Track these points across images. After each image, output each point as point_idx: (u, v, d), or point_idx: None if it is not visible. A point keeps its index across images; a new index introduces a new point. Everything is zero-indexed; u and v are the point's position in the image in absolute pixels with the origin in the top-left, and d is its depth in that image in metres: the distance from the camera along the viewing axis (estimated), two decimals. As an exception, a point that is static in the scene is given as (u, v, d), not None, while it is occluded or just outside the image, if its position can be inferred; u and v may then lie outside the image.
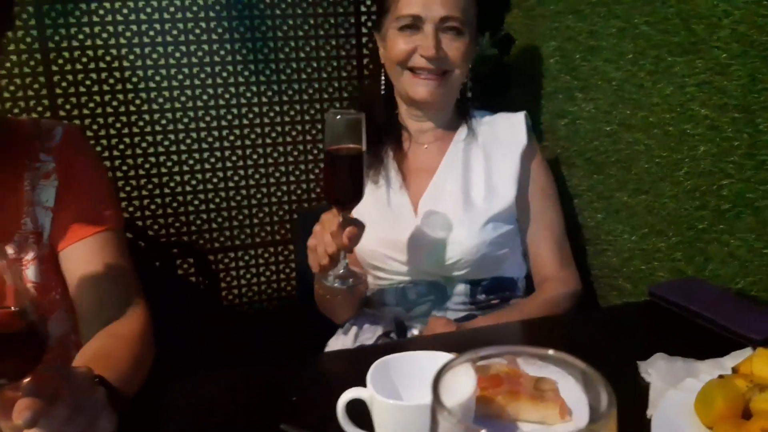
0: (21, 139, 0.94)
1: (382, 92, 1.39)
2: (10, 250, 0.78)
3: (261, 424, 0.77)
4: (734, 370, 0.80)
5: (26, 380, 0.57)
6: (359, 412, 0.68)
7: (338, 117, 1.03)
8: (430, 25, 1.26)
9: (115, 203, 1.01)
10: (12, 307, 0.58)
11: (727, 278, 1.14)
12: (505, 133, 1.40)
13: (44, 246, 0.93)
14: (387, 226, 1.30)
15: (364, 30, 1.71)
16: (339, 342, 1.32)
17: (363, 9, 1.70)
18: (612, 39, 1.38)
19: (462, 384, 0.39)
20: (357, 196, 1.08)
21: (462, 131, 1.40)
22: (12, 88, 1.50)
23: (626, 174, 1.35)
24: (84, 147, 1.00)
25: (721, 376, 0.77)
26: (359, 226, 1.08)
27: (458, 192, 1.32)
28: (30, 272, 0.92)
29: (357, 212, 1.13)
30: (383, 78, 1.39)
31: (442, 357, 0.70)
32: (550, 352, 0.30)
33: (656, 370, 0.84)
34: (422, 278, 1.30)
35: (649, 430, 0.72)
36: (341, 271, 1.09)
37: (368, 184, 1.30)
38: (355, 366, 0.93)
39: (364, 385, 0.67)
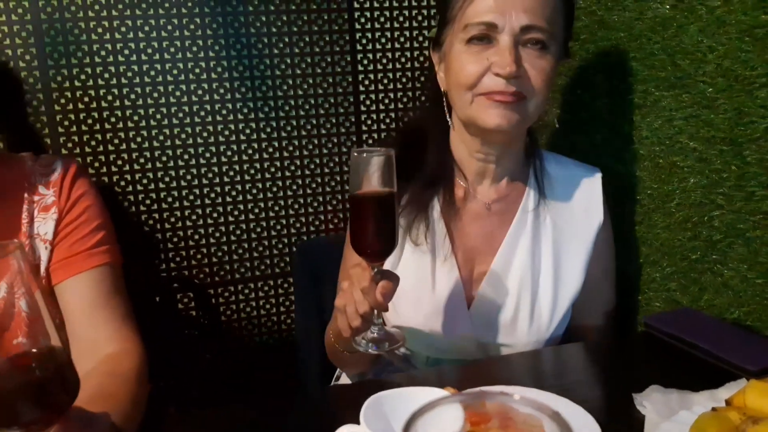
0: (20, 173, 0.96)
1: (450, 125, 1.14)
2: (3, 283, 0.79)
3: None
4: (728, 402, 0.80)
5: (54, 428, 0.57)
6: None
7: (364, 155, 0.90)
8: (508, 36, 1.00)
9: (113, 238, 1.02)
10: (41, 349, 0.57)
11: (722, 308, 1.15)
12: (580, 203, 1.16)
13: (40, 279, 0.94)
14: (431, 313, 1.09)
15: (360, 67, 1.75)
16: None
17: (359, 47, 1.74)
18: (601, 74, 1.41)
19: (450, 420, 0.40)
20: (390, 245, 0.94)
21: (531, 191, 1.15)
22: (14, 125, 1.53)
23: (619, 205, 1.37)
24: (83, 181, 1.01)
25: (714, 409, 0.77)
26: (393, 280, 0.92)
27: (524, 284, 1.10)
28: (23, 304, 0.92)
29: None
30: (445, 106, 1.14)
31: (436, 393, 0.71)
32: (516, 397, 0.31)
33: (651, 402, 0.84)
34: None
35: (643, 463, 0.72)
36: (375, 333, 0.94)
37: (407, 242, 1.12)
38: (352, 402, 0.93)
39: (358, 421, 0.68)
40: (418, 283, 1.10)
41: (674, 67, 1.19)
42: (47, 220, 0.95)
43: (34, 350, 0.58)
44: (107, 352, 0.87)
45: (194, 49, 1.60)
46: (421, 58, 1.80)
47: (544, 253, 1.12)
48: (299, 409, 0.95)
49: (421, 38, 1.79)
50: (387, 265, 1.08)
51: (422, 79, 1.79)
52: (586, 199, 1.17)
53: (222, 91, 1.64)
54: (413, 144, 1.15)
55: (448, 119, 1.15)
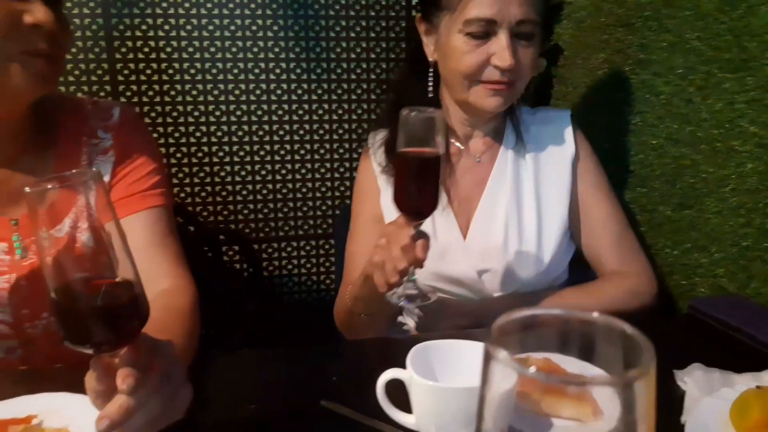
0: (80, 116, 0.99)
1: (430, 95, 1.22)
2: (68, 220, 0.82)
3: (302, 400, 0.80)
4: (771, 383, 0.80)
5: (124, 349, 0.60)
6: (397, 393, 0.71)
7: (413, 114, 0.91)
8: (506, 30, 1.08)
9: (167, 183, 1.04)
10: (119, 278, 0.60)
11: (770, 297, 1.13)
12: (552, 140, 1.28)
13: (94, 219, 0.96)
14: (434, 256, 1.12)
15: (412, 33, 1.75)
16: None
17: (414, 13, 1.73)
18: (662, 53, 1.38)
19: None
20: (434, 204, 0.96)
21: (510, 137, 1.26)
22: (77, 72, 1.58)
23: (671, 188, 1.35)
24: (140, 127, 1.03)
25: (758, 387, 0.77)
26: (428, 239, 0.96)
27: (511, 213, 1.21)
28: (85, 238, 0.96)
29: None
30: (431, 78, 1.22)
31: (481, 346, 0.72)
32: (595, 314, 0.32)
33: (693, 379, 0.84)
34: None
35: (682, 434, 0.73)
36: (410, 290, 0.97)
37: None
38: (393, 351, 0.95)
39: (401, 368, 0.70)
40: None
41: (740, 49, 1.16)
42: (105, 162, 0.97)
43: (111, 279, 0.60)
44: (162, 288, 0.90)
45: (252, 6, 1.62)
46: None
47: (526, 185, 1.23)
48: (345, 356, 0.97)
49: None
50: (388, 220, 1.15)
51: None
52: (558, 135, 1.28)
53: (277, 49, 1.66)
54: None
55: (430, 88, 1.22)
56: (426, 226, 1.10)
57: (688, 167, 1.31)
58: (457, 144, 1.26)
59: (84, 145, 0.97)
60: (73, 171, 0.93)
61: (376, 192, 1.23)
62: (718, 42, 1.22)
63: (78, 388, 0.65)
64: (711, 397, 0.78)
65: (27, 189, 0.56)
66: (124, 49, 1.58)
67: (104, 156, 0.98)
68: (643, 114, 1.44)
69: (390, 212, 1.18)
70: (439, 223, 1.20)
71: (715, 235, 1.25)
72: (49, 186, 0.58)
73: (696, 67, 1.28)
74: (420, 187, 0.94)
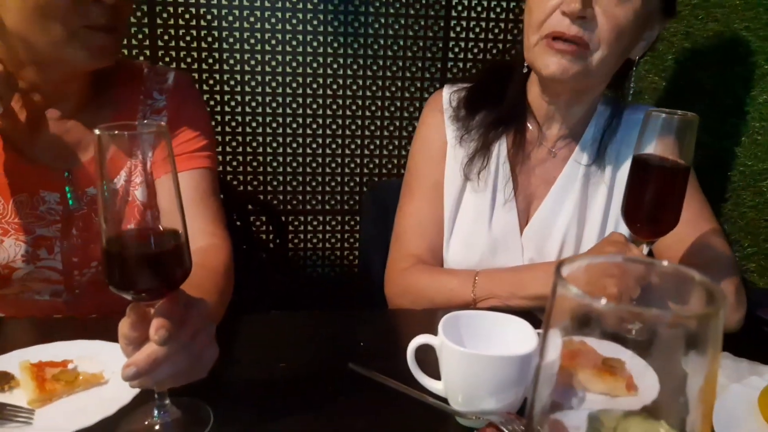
0: (138, 78, 1.02)
1: (525, 69, 1.06)
2: (123, 173, 0.84)
3: (330, 363, 0.81)
4: (802, 375, 0.79)
5: (161, 301, 0.61)
6: (425, 360, 0.72)
7: (663, 116, 0.81)
8: None
9: (214, 148, 1.07)
10: (163, 227, 0.62)
11: (801, 294, 1.11)
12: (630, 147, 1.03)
13: (149, 173, 0.99)
14: (486, 252, 1.09)
15: (453, 13, 1.74)
16: None
17: (454, -7, 1.72)
18: (707, 42, 1.36)
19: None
20: (676, 222, 0.85)
21: (589, 134, 1.10)
22: (118, 37, 1.60)
23: (707, 180, 1.33)
24: (193, 92, 1.06)
25: (788, 378, 0.77)
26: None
27: (570, 228, 1.09)
28: (138, 193, 0.98)
29: (456, 222, 1.05)
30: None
31: (512, 319, 0.73)
32: (665, 263, 0.32)
33: (721, 367, 0.84)
34: None
35: (708, 418, 0.72)
36: None
37: (471, 183, 1.10)
38: (421, 321, 0.96)
39: (429, 337, 0.70)
40: (475, 224, 1.09)
41: (790, 40, 1.14)
42: (158, 120, 1.00)
43: (159, 230, 0.62)
44: (198, 246, 0.92)
45: (293, -22, 1.62)
46: (517, 10, 1.76)
47: (596, 197, 1.09)
48: (373, 322, 0.98)
49: (519, -9, 1.76)
50: (447, 203, 1.09)
51: (515, 32, 1.76)
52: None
53: (315, 23, 1.66)
54: (495, 79, 1.12)
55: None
56: (482, 217, 1.07)
57: (726, 160, 1.29)
58: (532, 128, 1.11)
59: (140, 104, 1.00)
60: (144, 121, 0.96)
61: (443, 155, 1.12)
62: (767, 32, 1.20)
63: (112, 337, 0.67)
64: (739, 384, 0.77)
65: (96, 131, 0.58)
66: (165, 15, 1.60)
67: (158, 116, 1.01)
68: (686, 105, 1.42)
69: (452, 181, 1.10)
70: (497, 217, 1.09)
71: (749, 229, 1.23)
72: (117, 131, 0.59)
73: (742, 57, 1.26)
74: (665, 201, 0.83)
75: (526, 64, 1.05)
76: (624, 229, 1.00)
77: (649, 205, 0.84)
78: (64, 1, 0.80)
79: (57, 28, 0.81)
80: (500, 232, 1.10)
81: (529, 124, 1.11)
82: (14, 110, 0.93)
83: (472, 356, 0.65)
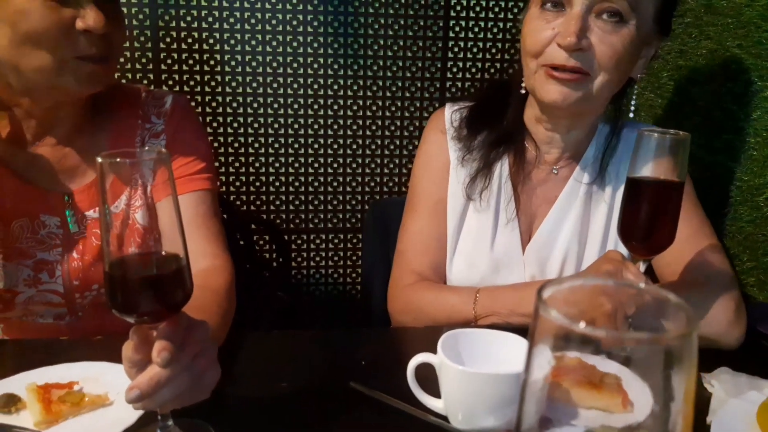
0: (136, 102, 1.03)
1: (522, 89, 1.06)
2: (123, 197, 0.85)
3: (331, 382, 0.82)
4: (800, 389, 0.80)
5: (163, 323, 0.62)
6: (425, 378, 0.72)
7: (655, 136, 0.82)
8: (581, 3, 0.91)
9: (214, 170, 1.08)
10: (164, 251, 0.63)
11: (800, 308, 1.12)
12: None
13: (149, 197, 1.00)
14: (487, 272, 1.10)
15: (451, 34, 1.76)
16: None
17: (452, 14, 1.75)
18: (701, 60, 1.38)
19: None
20: (673, 238, 0.86)
21: (590, 154, 1.11)
22: (122, 60, 1.63)
23: (704, 196, 1.35)
24: (190, 114, 1.08)
25: (786, 392, 0.77)
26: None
27: (571, 247, 1.10)
28: (139, 216, 0.99)
29: (459, 242, 1.07)
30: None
31: (511, 336, 0.74)
32: (641, 285, 0.33)
33: (720, 381, 0.84)
34: None
35: (707, 434, 0.73)
36: None
37: (473, 202, 1.11)
38: (423, 339, 0.97)
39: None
40: (478, 244, 1.11)
41: (782, 57, 1.16)
42: (156, 144, 1.02)
43: (160, 254, 0.63)
44: (200, 268, 0.93)
45: (293, 1, 1.65)
46: (514, 30, 1.79)
47: (596, 216, 1.10)
48: (374, 341, 0.99)
49: (516, 10, 1.78)
50: (450, 222, 1.10)
51: (512, 51, 1.79)
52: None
53: (316, 45, 1.68)
54: (495, 98, 1.13)
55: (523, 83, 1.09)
56: (484, 236, 1.08)
57: (722, 175, 1.30)
58: (532, 149, 1.12)
59: (138, 128, 1.01)
60: (145, 148, 0.98)
61: (445, 175, 1.13)
62: (759, 50, 1.22)
63: (116, 358, 0.68)
64: (738, 399, 0.78)
65: (99, 159, 0.59)
66: (168, 39, 1.63)
67: (156, 140, 1.02)
68: (681, 122, 1.44)
69: (455, 201, 1.11)
70: (500, 236, 1.10)
71: (747, 243, 1.24)
72: (119, 159, 0.61)
73: (735, 75, 1.27)
74: (659, 219, 0.85)
75: (523, 86, 1.06)
76: (623, 249, 1.00)
77: (643, 223, 0.85)
78: (53, 32, 0.81)
79: (47, 58, 0.82)
80: (503, 250, 1.11)
81: (527, 145, 1.13)
82: (10, 135, 0.94)
83: (470, 374, 0.66)
